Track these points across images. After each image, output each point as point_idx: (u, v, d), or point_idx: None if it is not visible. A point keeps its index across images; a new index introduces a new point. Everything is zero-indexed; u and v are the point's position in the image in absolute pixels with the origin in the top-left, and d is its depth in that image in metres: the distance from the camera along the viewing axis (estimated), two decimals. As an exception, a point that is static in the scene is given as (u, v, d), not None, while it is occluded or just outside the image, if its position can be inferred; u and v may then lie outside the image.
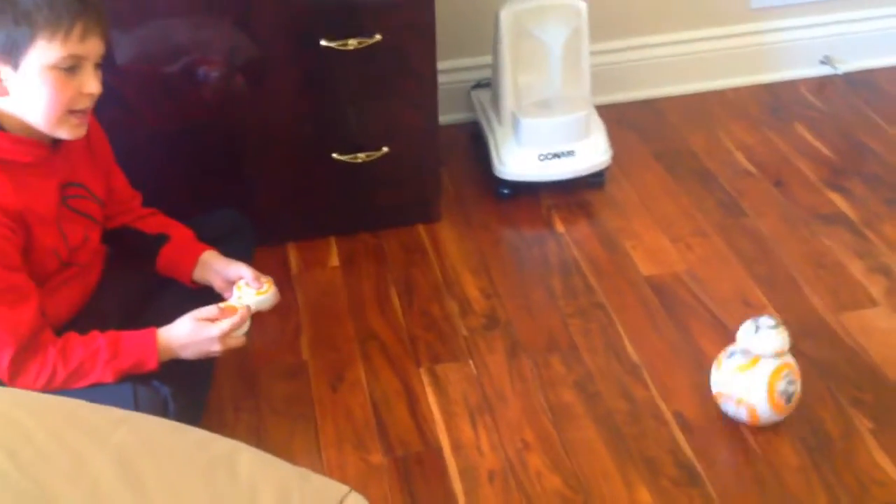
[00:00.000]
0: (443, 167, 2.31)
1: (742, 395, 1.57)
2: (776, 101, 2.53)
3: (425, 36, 1.91)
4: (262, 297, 1.52)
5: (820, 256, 1.98)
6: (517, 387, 1.73)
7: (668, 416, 1.65)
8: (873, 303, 1.85)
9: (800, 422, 1.61)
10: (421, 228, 2.16)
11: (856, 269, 1.94)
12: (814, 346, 1.76)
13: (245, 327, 1.50)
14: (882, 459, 1.54)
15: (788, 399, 1.57)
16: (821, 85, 2.58)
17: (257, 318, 1.57)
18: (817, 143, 2.35)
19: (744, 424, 1.61)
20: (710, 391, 1.66)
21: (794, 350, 1.74)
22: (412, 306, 1.93)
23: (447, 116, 2.49)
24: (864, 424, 1.60)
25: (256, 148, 1.99)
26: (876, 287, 1.89)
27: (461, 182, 2.31)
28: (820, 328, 1.80)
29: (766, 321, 1.57)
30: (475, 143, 2.40)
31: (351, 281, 2.01)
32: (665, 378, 1.72)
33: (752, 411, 1.57)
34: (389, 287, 1.99)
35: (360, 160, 2.02)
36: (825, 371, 1.71)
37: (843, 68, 2.59)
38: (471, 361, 1.79)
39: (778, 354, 1.57)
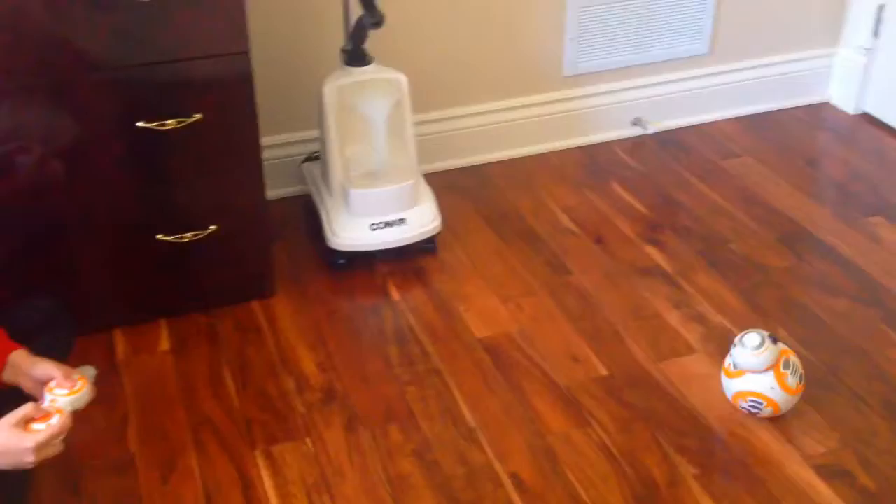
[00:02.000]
0: (277, 241, 2.30)
1: (758, 390, 1.72)
2: (594, 162, 2.66)
3: (246, 113, 1.92)
4: (75, 398, 1.45)
5: (640, 308, 2.08)
6: (355, 461, 1.71)
7: (505, 477, 1.67)
8: (690, 350, 1.96)
9: (628, 471, 1.67)
10: (255, 305, 2.13)
11: (673, 318, 2.05)
12: (638, 396, 1.84)
13: (64, 433, 1.42)
14: None
15: (800, 379, 1.73)
16: (634, 145, 2.74)
17: (78, 411, 1.49)
18: (633, 201, 2.48)
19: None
20: (542, 451, 1.71)
21: (620, 400, 1.82)
22: (247, 387, 1.89)
23: (280, 190, 2.49)
24: (688, 471, 1.68)
25: (77, 232, 1.92)
26: (692, 335, 2.00)
27: (296, 255, 2.30)
28: (643, 378, 1.89)
29: (750, 340, 1.71)
30: (309, 216, 2.40)
31: (182, 365, 1.96)
32: (500, 440, 1.75)
33: (774, 405, 1.73)
34: (223, 368, 1.94)
35: (186, 240, 1.98)
36: (650, 419, 1.79)
37: (652, 128, 2.76)
38: (308, 439, 1.76)
39: (769, 368, 1.70)
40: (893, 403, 1.80)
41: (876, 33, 2.78)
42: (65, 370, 1.48)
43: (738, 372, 1.74)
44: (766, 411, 1.74)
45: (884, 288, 2.12)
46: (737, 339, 1.74)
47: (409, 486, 1.66)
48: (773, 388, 1.71)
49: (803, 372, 1.77)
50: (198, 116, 1.86)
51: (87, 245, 1.94)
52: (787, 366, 1.73)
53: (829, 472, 1.66)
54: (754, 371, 1.71)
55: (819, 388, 1.84)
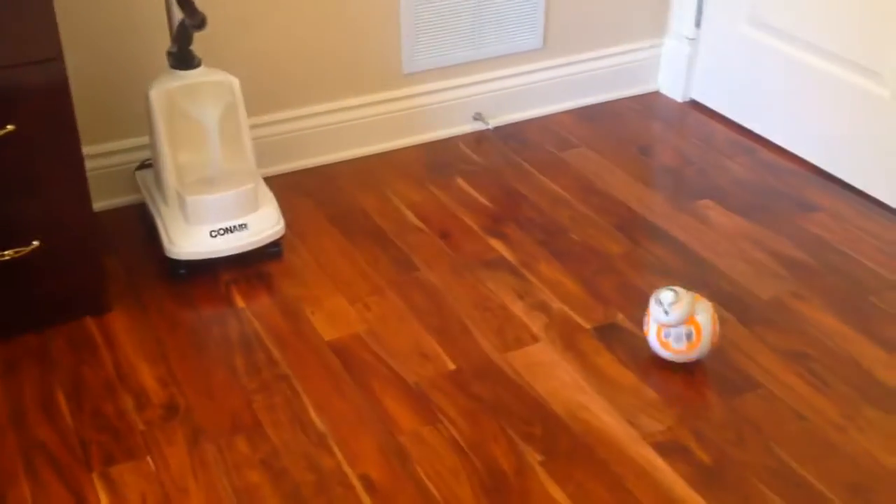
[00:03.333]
0: (112, 253, 2.21)
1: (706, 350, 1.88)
2: (437, 158, 2.68)
3: (64, 123, 1.82)
4: None
5: (486, 300, 2.11)
6: (200, 476, 1.66)
7: (355, 480, 1.66)
8: (535, 339, 2.00)
9: (476, 463, 1.69)
10: (90, 321, 2.03)
11: (517, 308, 2.09)
12: (484, 387, 1.86)
13: None
14: (554, 490, 1.65)
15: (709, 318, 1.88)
16: (476, 140, 2.77)
17: None
18: (476, 195, 2.51)
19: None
20: (393, 451, 1.71)
21: (469, 393, 1.84)
22: (82, 407, 1.80)
23: (114, 199, 2.40)
24: (534, 458, 1.71)
25: None
26: (536, 324, 2.04)
27: (134, 267, 2.21)
28: (489, 369, 1.91)
29: (666, 298, 1.85)
30: (146, 226, 2.32)
31: (11, 389, 1.85)
32: (351, 442, 1.74)
33: (699, 329, 1.86)
34: (56, 389, 1.85)
35: (8, 257, 1.87)
36: (497, 411, 1.81)
37: (493, 123, 2.80)
38: (149, 457, 1.70)
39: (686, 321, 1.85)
40: (725, 379, 1.89)
41: (698, 24, 2.91)
42: None
43: (690, 346, 1.88)
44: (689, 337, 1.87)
45: (713, 268, 2.23)
46: (652, 299, 1.88)
47: (257, 498, 1.62)
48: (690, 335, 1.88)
49: (713, 312, 1.91)
50: (10, 127, 1.76)
51: None
52: (699, 311, 1.88)
53: (667, 448, 1.73)
54: (674, 326, 1.86)
55: (654, 367, 1.92)
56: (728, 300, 2.11)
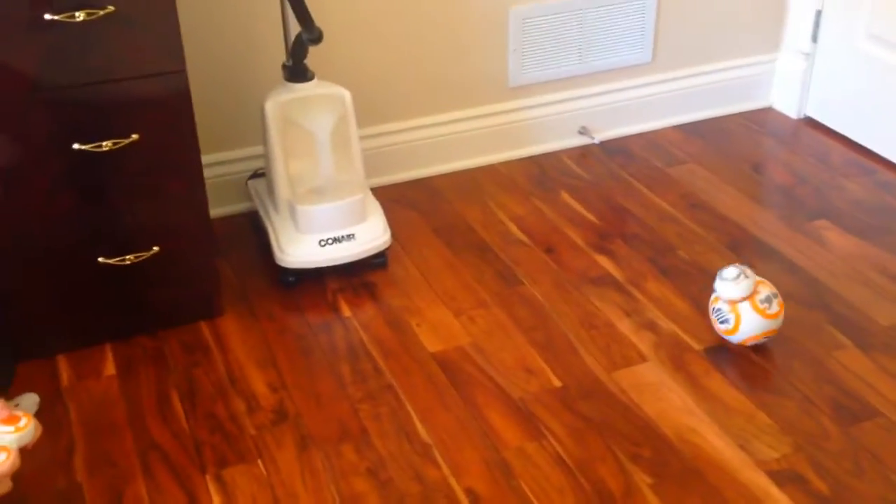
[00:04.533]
0: (224, 259, 2.27)
1: (755, 334, 1.92)
2: (541, 172, 2.67)
3: (185, 132, 1.88)
4: (20, 435, 1.40)
5: (591, 318, 2.09)
6: (308, 482, 1.69)
7: (460, 492, 1.66)
8: (643, 358, 1.96)
9: (583, 483, 1.67)
10: (203, 325, 2.09)
11: (625, 327, 2.06)
12: (591, 407, 1.84)
13: (13, 471, 1.38)
14: (661, 511, 1.61)
15: (771, 304, 1.92)
16: (581, 154, 2.75)
17: (25, 447, 1.45)
18: (582, 210, 2.49)
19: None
20: (498, 465, 1.70)
21: (575, 411, 1.81)
22: (196, 409, 1.85)
23: (227, 207, 2.46)
24: (643, 480, 1.68)
25: (14, 257, 1.87)
26: (644, 343, 2.01)
27: (245, 273, 2.26)
28: (596, 388, 1.89)
29: (729, 273, 1.91)
30: (256, 233, 2.37)
31: (129, 389, 1.91)
32: (455, 455, 1.74)
33: (771, 332, 1.93)
34: (171, 391, 1.90)
35: (129, 262, 1.94)
36: (604, 430, 1.78)
37: (599, 137, 2.78)
38: (259, 461, 1.73)
39: (746, 298, 1.90)
40: (843, 406, 1.82)
41: (815, 38, 2.83)
42: (5, 409, 1.44)
43: (730, 330, 1.93)
44: (729, 323, 1.92)
45: (829, 290, 2.15)
46: (718, 274, 1.94)
47: (363, 507, 1.64)
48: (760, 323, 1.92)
49: (780, 299, 1.95)
50: (135, 137, 1.82)
51: (26, 269, 1.89)
52: (761, 297, 1.92)
53: (783, 477, 1.67)
54: (734, 300, 1.91)
55: (769, 392, 1.86)
56: (845, 325, 2.04)
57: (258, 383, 1.92)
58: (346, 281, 2.22)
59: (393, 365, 1.97)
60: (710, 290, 2.01)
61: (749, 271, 1.92)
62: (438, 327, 2.07)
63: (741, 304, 1.91)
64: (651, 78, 2.82)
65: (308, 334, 2.08)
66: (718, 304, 1.95)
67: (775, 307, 1.92)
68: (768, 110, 2.98)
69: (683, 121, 2.90)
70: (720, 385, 1.88)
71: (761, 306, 1.90)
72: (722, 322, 1.94)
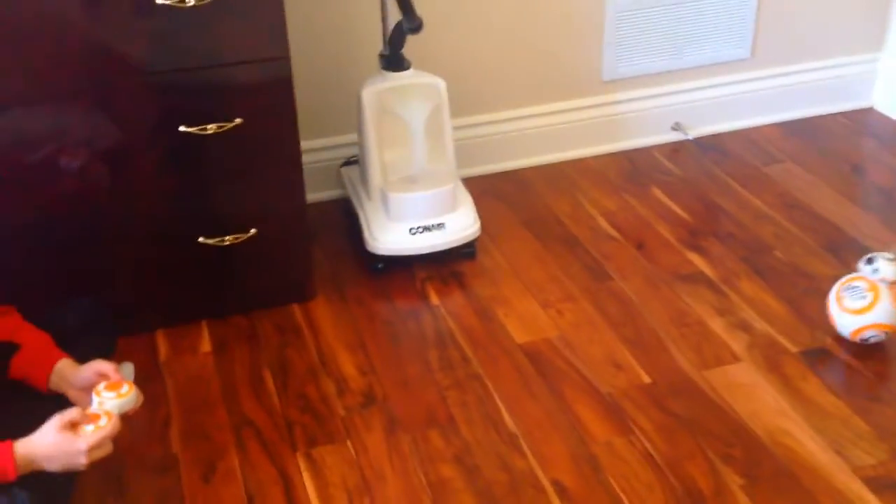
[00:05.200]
0: (316, 244, 2.30)
1: (882, 322, 1.87)
2: (633, 166, 2.64)
3: (286, 118, 1.92)
4: (123, 401, 1.45)
5: (683, 315, 2.06)
6: (396, 465, 1.71)
7: (547, 484, 1.66)
8: (736, 358, 1.93)
9: (672, 481, 1.65)
10: (295, 308, 2.13)
11: (717, 326, 2.02)
12: (681, 405, 1.81)
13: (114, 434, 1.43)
14: (752, 513, 1.59)
15: None
16: (674, 150, 2.71)
17: (126, 413, 1.50)
18: (674, 206, 2.45)
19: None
20: (585, 458, 1.69)
21: (664, 408, 1.79)
22: (287, 389, 1.89)
23: (320, 193, 2.50)
24: (734, 481, 1.65)
25: (119, 235, 1.93)
26: (737, 343, 1.97)
27: (336, 258, 2.30)
28: (687, 386, 1.86)
29: (882, 256, 1.89)
30: (348, 220, 2.40)
31: (223, 366, 1.96)
32: (542, 446, 1.74)
33: (893, 329, 1.88)
34: (264, 370, 1.95)
35: (227, 243, 1.99)
36: (694, 429, 1.76)
37: (693, 133, 2.73)
38: (348, 442, 1.76)
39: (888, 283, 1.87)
40: (945, 414, 1.77)
41: (922, 38, 2.73)
42: (112, 366, 1.49)
43: (862, 308, 1.88)
44: (865, 300, 1.88)
45: (933, 296, 2.08)
46: (869, 256, 1.91)
47: (450, 491, 1.65)
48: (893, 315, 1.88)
49: None
50: (238, 121, 1.87)
51: (130, 248, 1.96)
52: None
53: (880, 484, 1.62)
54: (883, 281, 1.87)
55: (867, 398, 1.81)
56: (950, 332, 1.97)
57: (348, 366, 1.95)
58: (435, 270, 2.24)
59: (481, 354, 1.97)
60: (806, 291, 1.97)
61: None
62: (526, 319, 2.07)
63: (882, 287, 1.86)
64: (749, 74, 2.76)
65: (396, 321, 2.11)
66: (856, 282, 1.90)
67: None
68: (869, 111, 2.89)
69: (781, 119, 2.83)
70: (816, 388, 1.84)
71: None
72: (857, 298, 1.88)
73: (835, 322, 1.94)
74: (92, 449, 1.36)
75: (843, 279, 1.94)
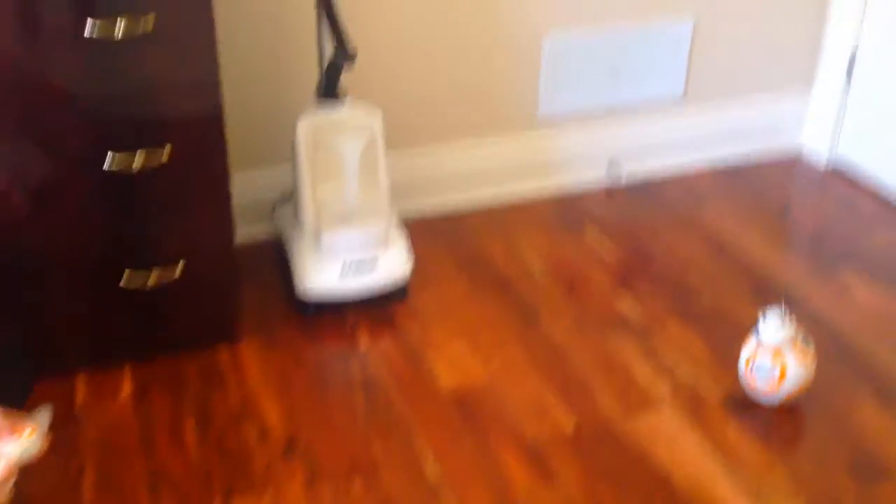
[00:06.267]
0: (246, 284, 2.27)
1: (797, 389, 1.87)
2: (567, 206, 2.65)
3: (216, 149, 1.89)
4: (22, 447, 1.41)
5: (609, 360, 2.06)
6: (315, 517, 1.68)
7: (467, 536, 1.64)
8: (659, 405, 1.94)
9: (593, 532, 1.65)
10: (222, 350, 2.10)
11: (642, 371, 2.03)
12: (604, 453, 1.82)
13: (12, 480, 1.39)
14: (670, 564, 1.59)
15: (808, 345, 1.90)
16: (608, 189, 2.73)
17: (30, 459, 1.46)
18: (605, 248, 2.47)
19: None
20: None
21: (587, 456, 1.79)
22: (208, 436, 1.86)
23: (252, 227, 2.46)
24: (652, 530, 1.65)
25: (39, 270, 1.88)
26: (661, 388, 1.98)
27: (266, 300, 2.27)
28: (610, 434, 1.86)
29: (771, 314, 1.88)
30: (280, 260, 2.38)
31: (143, 412, 1.92)
32: (464, 494, 1.73)
33: (784, 369, 1.86)
34: (185, 416, 1.91)
35: (153, 280, 1.95)
36: (617, 478, 1.76)
37: (627, 171, 2.76)
38: (268, 491, 1.73)
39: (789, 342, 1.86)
40: (861, 465, 1.79)
41: (849, 74, 2.79)
42: (10, 419, 1.45)
43: (776, 385, 1.87)
44: (773, 377, 1.87)
45: (854, 345, 2.11)
46: (760, 319, 1.90)
47: (368, 545, 1.63)
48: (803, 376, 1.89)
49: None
50: (168, 147, 1.84)
51: (50, 284, 1.91)
52: (801, 337, 1.91)
53: (796, 535, 1.64)
54: (763, 351, 1.87)
55: (787, 446, 1.83)
56: (870, 381, 2.00)
57: (271, 413, 1.92)
58: (366, 312, 2.22)
59: (407, 399, 1.96)
60: (732, 336, 1.98)
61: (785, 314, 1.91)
62: (455, 363, 2.06)
63: (786, 350, 1.86)
64: (682, 112, 2.80)
65: (324, 365, 2.08)
66: (759, 360, 1.87)
67: (812, 347, 1.91)
68: (799, 149, 2.95)
69: (713, 157, 2.87)
70: (739, 436, 1.85)
71: (802, 345, 1.88)
72: (765, 379, 1.87)
73: (757, 398, 1.93)
74: None
75: (745, 353, 1.91)
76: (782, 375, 1.86)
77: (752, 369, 1.89)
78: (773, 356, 1.86)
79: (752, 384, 1.90)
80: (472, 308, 2.24)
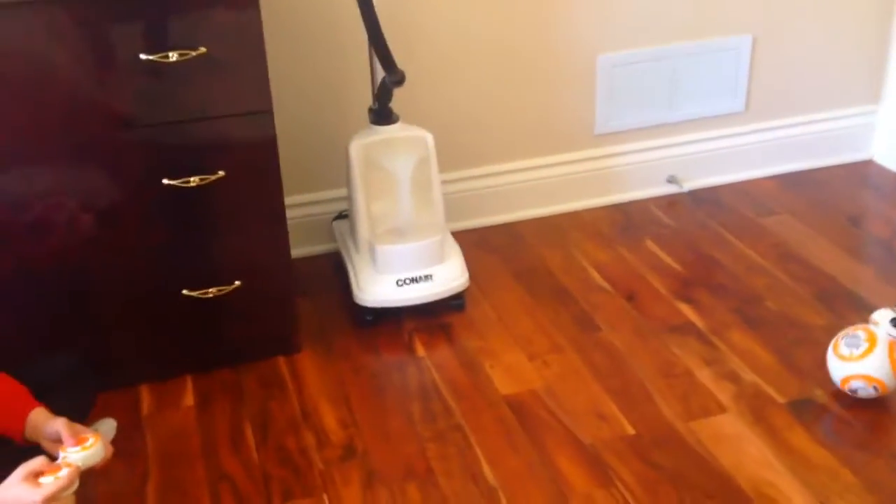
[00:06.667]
0: (306, 297, 2.30)
1: (870, 374, 1.83)
2: (627, 219, 2.63)
3: (269, 171, 1.94)
4: (87, 454, 1.45)
5: (670, 366, 2.03)
6: (371, 519, 1.68)
7: (523, 538, 1.62)
8: (722, 409, 1.89)
9: (653, 534, 1.61)
10: (281, 361, 2.12)
11: (704, 376, 1.99)
12: (665, 456, 1.77)
13: (73, 487, 1.42)
14: (734, 567, 1.54)
15: None
16: (668, 203, 2.70)
17: (94, 467, 1.49)
18: (666, 258, 2.44)
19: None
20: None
21: (647, 460, 1.75)
22: (267, 442, 1.88)
23: (312, 247, 2.51)
24: (715, 532, 1.60)
25: (102, 290, 1.95)
26: (724, 393, 1.93)
27: (325, 311, 2.30)
28: (671, 437, 1.82)
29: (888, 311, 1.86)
30: (339, 273, 2.41)
31: (205, 420, 1.95)
32: (522, 499, 1.70)
33: (882, 385, 1.83)
34: (245, 424, 1.93)
35: (211, 295, 2.00)
36: (677, 481, 1.72)
37: (688, 186, 2.73)
38: (325, 496, 1.73)
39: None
40: (937, 467, 1.71)
41: (917, 88, 2.73)
42: (74, 428, 1.48)
43: (854, 356, 1.85)
44: (859, 348, 1.85)
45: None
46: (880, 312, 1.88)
47: (423, 546, 1.62)
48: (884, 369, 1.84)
49: None
50: (221, 174, 1.89)
51: (114, 301, 1.97)
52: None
53: (867, 537, 1.57)
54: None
55: (856, 449, 1.76)
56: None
57: (329, 419, 1.94)
58: (423, 321, 2.23)
59: (464, 406, 1.95)
60: (798, 342, 1.93)
61: None
62: (512, 370, 2.05)
63: (882, 340, 1.83)
64: (744, 128, 2.76)
65: (382, 373, 2.09)
66: (858, 332, 1.88)
67: None
68: (868, 163, 2.88)
69: (777, 172, 2.82)
70: (803, 440, 1.79)
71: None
72: (853, 346, 1.86)
73: (828, 368, 1.90)
74: (47, 500, 1.35)
75: (851, 328, 1.91)
76: (867, 351, 1.84)
77: (846, 335, 1.89)
78: (869, 336, 1.85)
79: (836, 349, 1.90)
80: (530, 317, 2.23)
